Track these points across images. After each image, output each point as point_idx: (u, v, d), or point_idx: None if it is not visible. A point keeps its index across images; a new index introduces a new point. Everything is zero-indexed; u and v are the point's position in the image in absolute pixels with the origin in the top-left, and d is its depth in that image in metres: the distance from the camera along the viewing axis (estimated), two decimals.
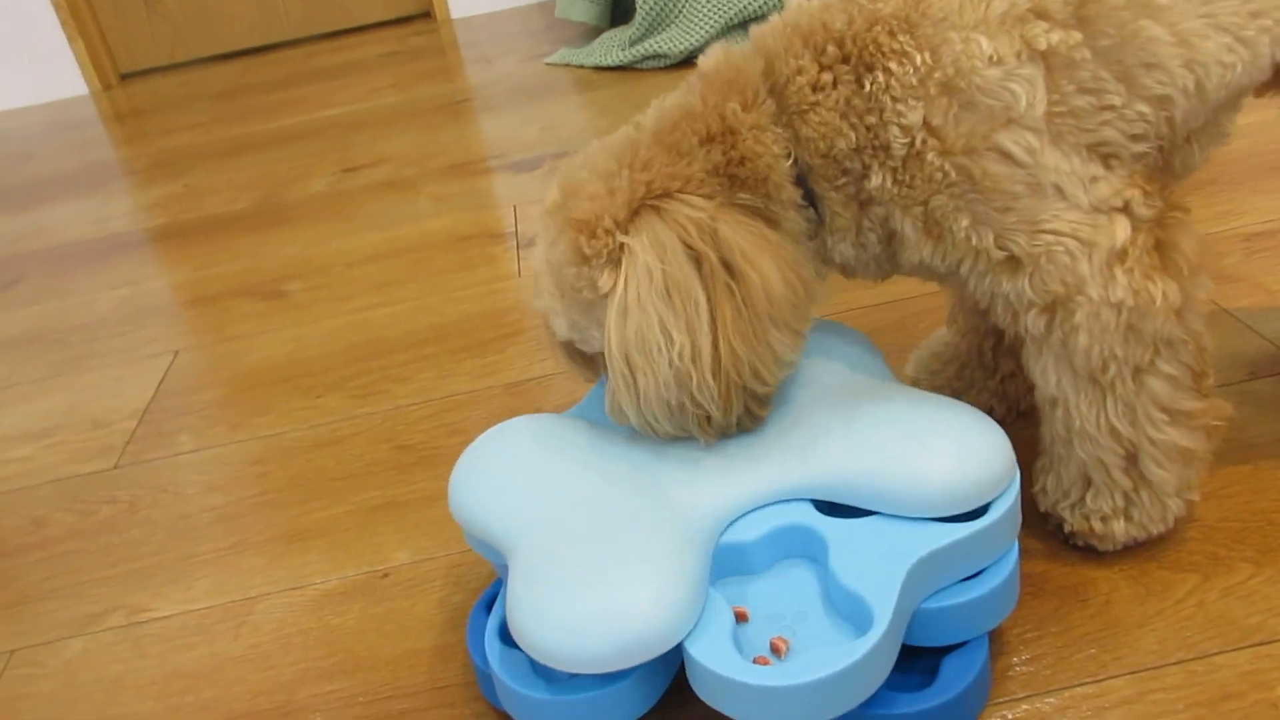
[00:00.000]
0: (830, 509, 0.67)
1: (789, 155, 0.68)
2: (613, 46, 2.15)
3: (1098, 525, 0.73)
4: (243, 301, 1.42)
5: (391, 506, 0.95)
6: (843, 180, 0.68)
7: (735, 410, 0.68)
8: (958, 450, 0.65)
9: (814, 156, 0.68)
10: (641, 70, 2.09)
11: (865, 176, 0.67)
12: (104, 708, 0.79)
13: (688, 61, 2.06)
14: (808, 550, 0.66)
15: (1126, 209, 0.65)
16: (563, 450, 0.72)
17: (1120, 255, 0.64)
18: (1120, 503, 0.72)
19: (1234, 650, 0.66)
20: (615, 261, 0.66)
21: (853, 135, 0.66)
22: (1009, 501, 0.65)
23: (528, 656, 0.66)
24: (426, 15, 2.91)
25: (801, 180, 0.69)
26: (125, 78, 2.88)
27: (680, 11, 2.05)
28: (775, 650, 0.62)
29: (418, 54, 2.57)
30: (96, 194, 1.98)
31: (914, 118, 0.64)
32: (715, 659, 0.59)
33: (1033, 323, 0.67)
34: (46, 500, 1.06)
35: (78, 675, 0.82)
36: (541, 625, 0.61)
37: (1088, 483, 0.72)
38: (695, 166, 0.67)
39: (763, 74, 0.68)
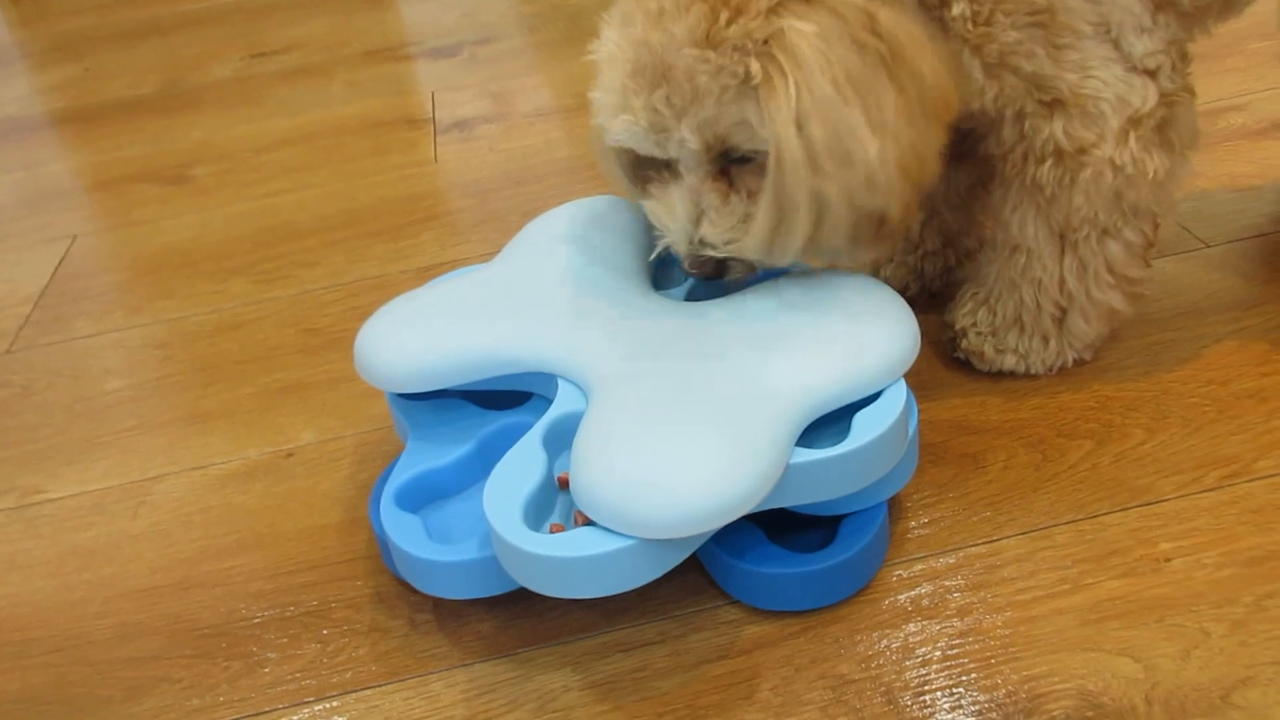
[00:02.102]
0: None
1: None
2: None
3: (990, 351, 0.78)
4: (145, 186, 1.36)
5: (297, 388, 0.93)
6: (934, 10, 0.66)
7: (914, 212, 0.64)
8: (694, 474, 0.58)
9: None
10: None
11: (947, 4, 0.65)
12: None
13: None
14: None
15: (1156, 76, 0.67)
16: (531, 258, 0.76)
17: (1137, 121, 0.67)
18: (1033, 345, 0.76)
19: (1122, 510, 0.68)
20: (765, 53, 0.59)
21: None
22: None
23: (421, 522, 0.66)
24: None
25: None
26: None
27: None
28: (575, 521, 0.62)
29: None
30: None
31: None
32: (492, 507, 0.60)
33: (1045, 174, 0.68)
34: None
35: None
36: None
37: (1017, 323, 0.76)
38: None
39: None
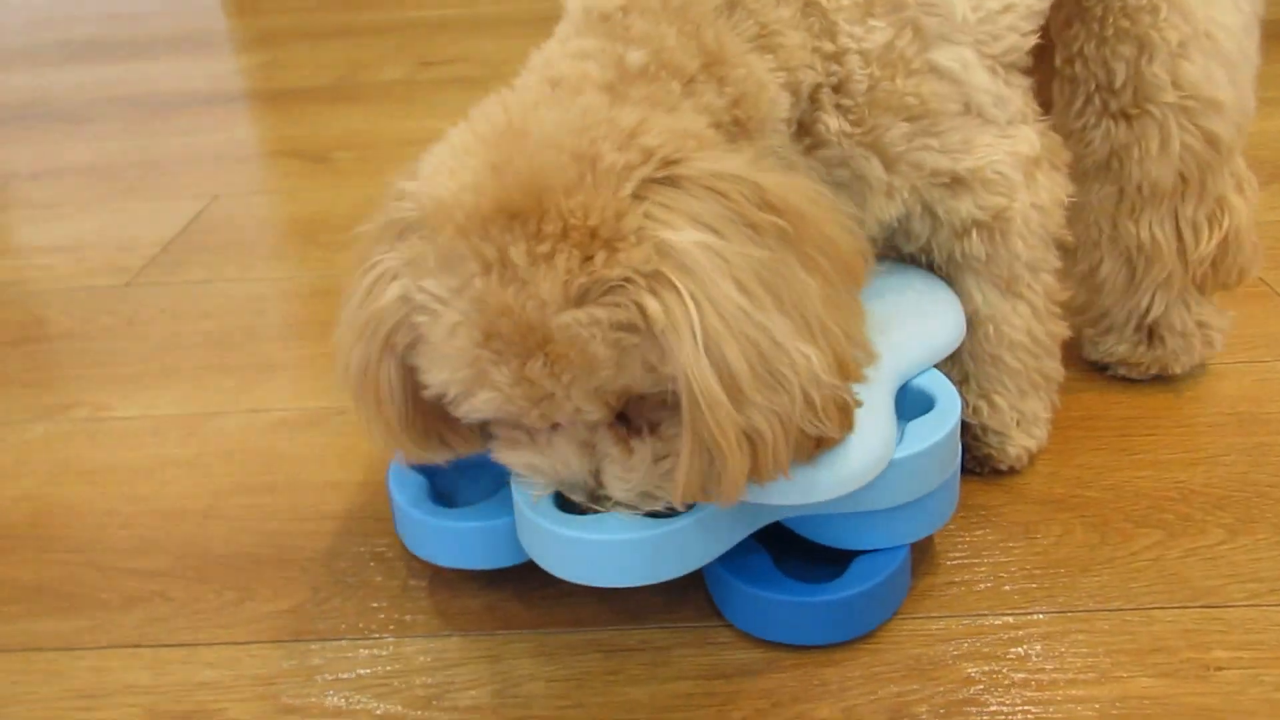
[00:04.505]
0: None
1: (782, 85, 0.57)
2: None
3: (1017, 437, 0.71)
4: (290, 161, 1.43)
5: None
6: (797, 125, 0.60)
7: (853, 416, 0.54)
8: None
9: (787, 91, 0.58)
10: None
11: (816, 120, 0.60)
12: (45, 485, 0.80)
13: None
14: None
15: (1026, 121, 0.67)
16: None
17: (1036, 161, 0.66)
18: (1035, 406, 0.72)
19: (1179, 608, 0.61)
20: (657, 277, 0.47)
21: (819, 65, 0.58)
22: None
23: (429, 485, 0.65)
24: None
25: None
26: None
27: None
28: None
29: None
30: (190, 56, 2.03)
31: (877, 39, 0.59)
32: (522, 492, 0.58)
33: (975, 245, 0.65)
34: (53, 303, 1.08)
35: (32, 454, 0.84)
36: None
37: (1018, 392, 0.71)
38: (695, 121, 0.53)
39: None
